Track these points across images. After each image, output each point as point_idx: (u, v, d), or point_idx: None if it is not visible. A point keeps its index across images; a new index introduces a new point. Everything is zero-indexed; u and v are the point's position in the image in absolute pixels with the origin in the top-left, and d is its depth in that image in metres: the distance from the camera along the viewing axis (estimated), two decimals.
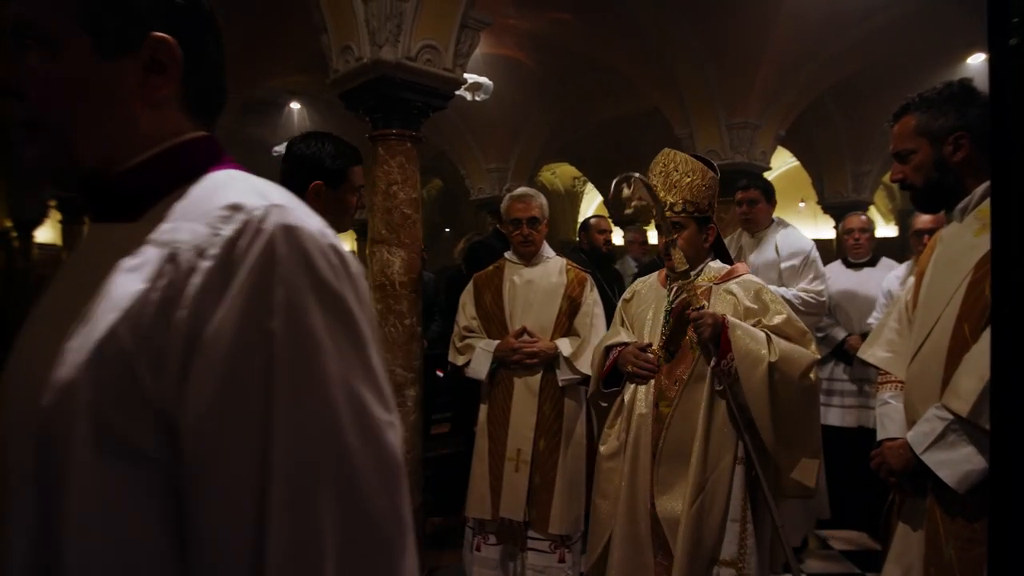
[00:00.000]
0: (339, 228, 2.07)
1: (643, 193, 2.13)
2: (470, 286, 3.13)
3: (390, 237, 3.18)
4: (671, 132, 6.40)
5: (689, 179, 2.15)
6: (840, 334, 3.87)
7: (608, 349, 2.32)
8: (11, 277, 9.93)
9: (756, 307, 2.14)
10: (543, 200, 3.03)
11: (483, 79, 5.79)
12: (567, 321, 2.95)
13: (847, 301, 3.96)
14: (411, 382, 3.26)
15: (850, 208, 6.62)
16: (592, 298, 3.00)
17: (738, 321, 2.06)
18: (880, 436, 1.81)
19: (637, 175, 2.10)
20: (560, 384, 2.85)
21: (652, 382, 2.17)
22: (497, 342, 2.91)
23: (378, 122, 3.23)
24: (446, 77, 3.28)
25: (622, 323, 2.40)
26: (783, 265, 3.59)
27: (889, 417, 1.81)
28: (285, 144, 6.62)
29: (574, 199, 13.74)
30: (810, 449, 2.08)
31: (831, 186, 8.28)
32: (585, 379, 2.75)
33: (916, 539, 1.65)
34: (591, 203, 13.74)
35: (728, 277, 2.23)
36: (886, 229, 11.14)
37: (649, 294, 2.37)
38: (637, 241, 6.41)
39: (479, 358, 2.92)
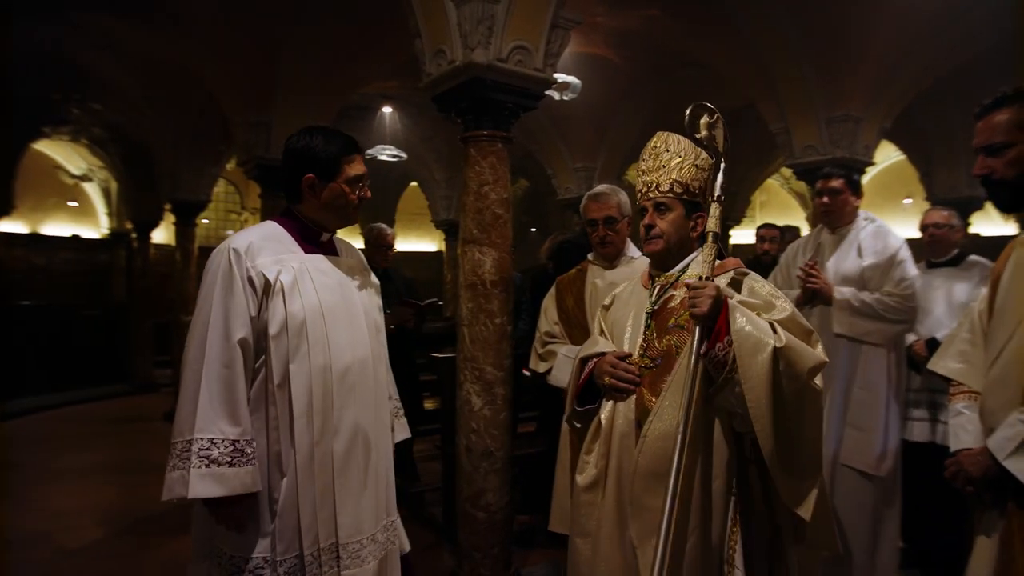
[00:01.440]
0: (343, 220, 2.01)
1: (718, 133, 1.87)
2: (552, 290, 3.10)
3: (481, 237, 3.23)
4: (764, 128, 6.18)
5: (679, 159, 1.93)
6: (909, 338, 3.49)
7: (584, 362, 2.03)
8: (131, 274, 10.74)
9: (753, 302, 1.81)
10: (622, 198, 2.88)
11: (571, 78, 5.78)
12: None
13: (920, 302, 3.50)
14: (501, 381, 3.30)
15: (965, 205, 6.18)
16: None
17: (739, 304, 1.73)
18: (954, 447, 1.78)
19: (720, 114, 1.87)
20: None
21: (633, 397, 1.87)
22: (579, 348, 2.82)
23: (470, 124, 3.29)
24: (537, 77, 3.30)
25: (601, 331, 2.10)
26: (865, 264, 3.14)
27: (963, 428, 1.78)
28: (377, 147, 6.88)
29: None
30: (811, 470, 1.75)
31: (943, 181, 7.74)
32: None
33: (990, 546, 1.61)
34: None
35: (718, 272, 1.90)
36: (1004, 227, 10.32)
37: (631, 298, 2.07)
38: (767, 237, 5.64)
39: (561, 365, 2.86)
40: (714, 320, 1.69)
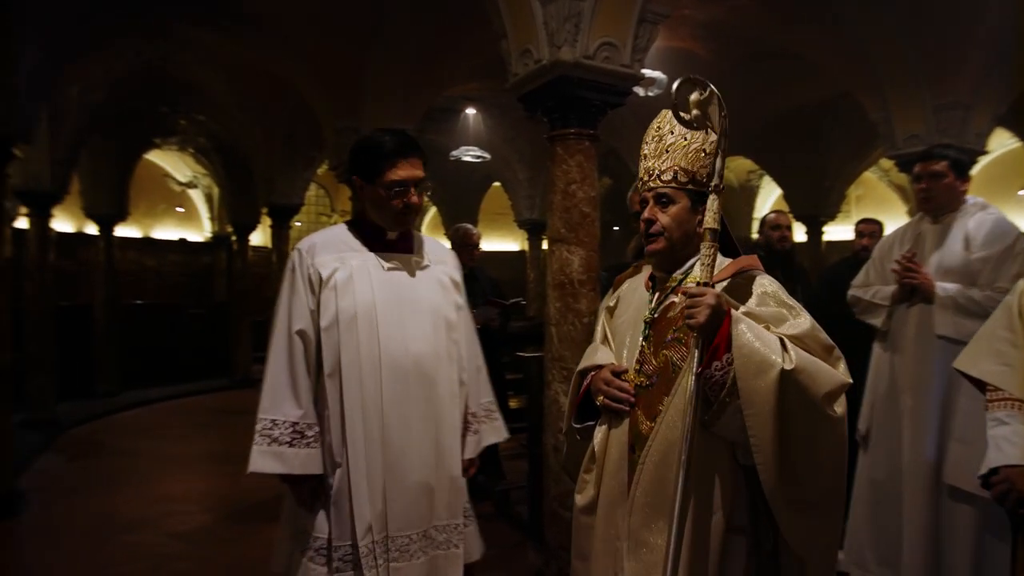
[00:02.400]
0: (390, 223, 2.02)
1: (712, 112, 1.57)
2: (611, 289, 3.00)
3: (569, 236, 3.22)
4: (863, 117, 5.87)
5: (685, 142, 1.63)
6: None
7: (582, 374, 1.80)
8: (231, 275, 11.37)
9: (763, 312, 1.53)
10: None
11: (657, 73, 5.68)
12: None
13: None
14: None
15: None
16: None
17: (744, 316, 1.49)
18: (996, 462, 1.67)
19: (714, 89, 1.55)
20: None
21: (627, 420, 1.64)
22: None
23: (556, 122, 3.28)
24: (624, 73, 3.26)
25: (604, 338, 1.84)
26: (975, 256, 2.77)
27: (1007, 440, 1.66)
28: (461, 148, 6.96)
29: (749, 194, 13.05)
30: (824, 509, 1.51)
31: None
32: None
33: None
34: (767, 198, 12.98)
35: (726, 275, 1.63)
36: None
37: (633, 299, 1.81)
38: (867, 232, 5.32)
39: None
40: (713, 333, 1.45)
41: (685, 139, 1.63)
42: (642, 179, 1.68)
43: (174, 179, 11.69)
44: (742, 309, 1.51)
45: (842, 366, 1.50)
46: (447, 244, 3.82)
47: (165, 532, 4.38)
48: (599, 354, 1.78)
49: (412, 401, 1.97)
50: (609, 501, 1.64)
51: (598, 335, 1.86)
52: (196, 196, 12.17)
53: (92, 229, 9.35)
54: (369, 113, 5.84)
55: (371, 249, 2.03)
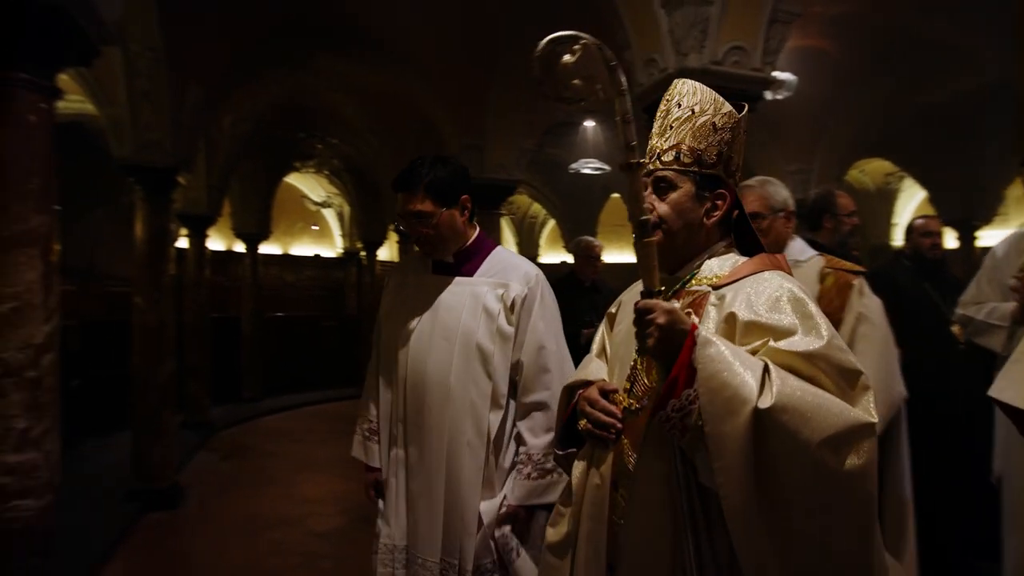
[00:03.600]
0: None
1: (595, 69, 1.25)
2: None
3: None
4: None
5: (692, 115, 1.33)
6: None
7: (571, 390, 1.52)
8: (360, 288, 12.00)
9: (775, 322, 1.21)
10: (772, 190, 2.33)
11: (786, 75, 5.43)
12: None
13: None
14: None
15: None
16: (858, 311, 2.18)
17: (714, 336, 1.18)
18: None
19: (590, 39, 1.24)
20: None
21: (613, 449, 1.35)
22: None
23: None
24: (754, 77, 3.15)
25: (601, 350, 1.56)
26: None
27: None
28: (580, 161, 6.94)
29: (887, 198, 12.13)
30: None
31: None
32: None
33: None
34: (908, 202, 12.01)
35: (739, 276, 1.32)
36: None
37: (632, 307, 1.48)
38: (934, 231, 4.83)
39: None
40: (671, 361, 1.16)
41: (693, 111, 1.33)
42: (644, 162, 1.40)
43: (310, 199, 12.52)
44: (747, 318, 1.22)
45: (866, 399, 1.14)
46: (567, 258, 3.81)
47: (308, 531, 4.66)
48: (591, 367, 1.52)
49: (426, 429, 1.97)
50: (587, 549, 1.36)
51: (595, 346, 1.57)
52: (329, 215, 12.96)
53: (240, 247, 10.19)
54: (492, 131, 5.99)
55: (434, 271, 2.08)
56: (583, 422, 1.39)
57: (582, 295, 4.53)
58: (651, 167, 1.37)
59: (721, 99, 1.35)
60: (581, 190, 11.75)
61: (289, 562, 4.11)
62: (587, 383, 1.45)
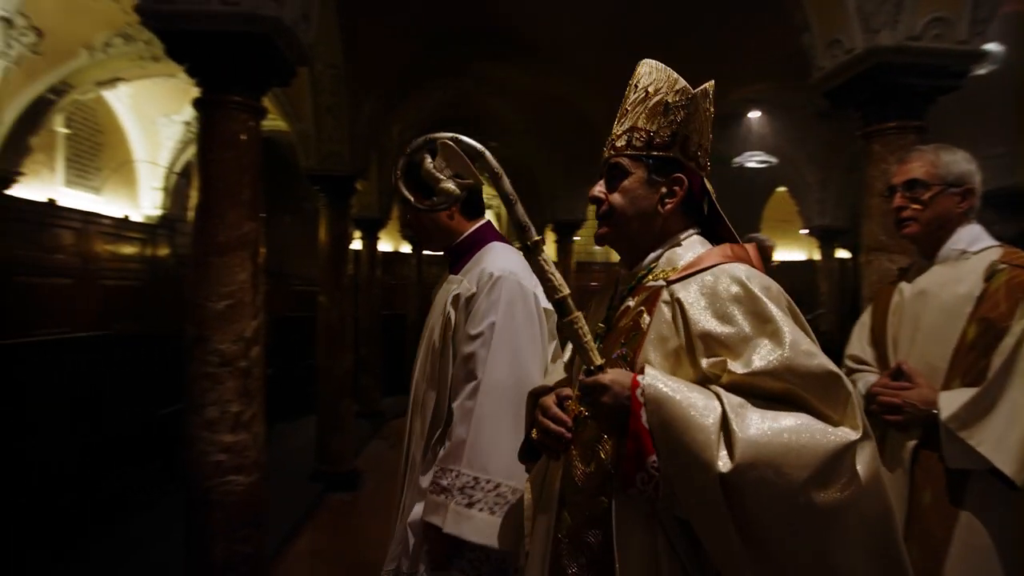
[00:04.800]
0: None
1: (461, 164, 1.32)
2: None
3: (890, 243, 2.85)
4: None
5: (644, 96, 1.21)
6: None
7: (535, 397, 1.39)
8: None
9: (724, 334, 1.09)
10: (945, 157, 1.86)
11: (991, 45, 4.81)
12: (978, 358, 1.69)
13: None
14: None
15: None
16: None
17: (662, 383, 1.07)
18: None
19: (444, 135, 1.29)
20: (948, 465, 1.70)
21: (564, 461, 1.26)
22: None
23: (872, 116, 2.95)
24: (959, 52, 2.81)
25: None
26: None
27: None
28: (745, 154, 6.61)
29: None
30: None
31: None
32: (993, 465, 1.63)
33: None
34: None
35: (694, 269, 1.18)
36: None
37: (601, 303, 1.40)
38: None
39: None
40: (623, 432, 1.08)
41: (647, 92, 1.22)
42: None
43: None
44: (701, 328, 1.10)
45: (850, 407, 1.03)
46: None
47: None
48: (555, 371, 1.45)
49: (406, 431, 1.91)
50: (535, 568, 1.26)
51: (567, 349, 1.44)
52: (489, 216, 13.39)
53: (406, 248, 10.79)
54: None
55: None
56: (534, 431, 1.31)
57: None
58: (605, 155, 1.27)
59: (676, 76, 1.22)
60: (743, 185, 11.17)
61: None
62: (548, 389, 1.36)
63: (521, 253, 1.82)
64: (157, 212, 8.77)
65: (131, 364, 5.22)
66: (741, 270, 1.13)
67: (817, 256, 10.94)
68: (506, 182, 1.22)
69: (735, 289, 1.11)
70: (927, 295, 1.83)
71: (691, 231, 1.26)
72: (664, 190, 1.22)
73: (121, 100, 7.90)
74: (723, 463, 0.98)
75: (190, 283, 2.75)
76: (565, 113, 7.72)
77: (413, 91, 6.97)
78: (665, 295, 1.17)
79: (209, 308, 2.64)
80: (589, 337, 1.17)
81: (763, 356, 1.04)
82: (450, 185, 1.35)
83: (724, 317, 1.09)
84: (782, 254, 14.12)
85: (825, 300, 9.74)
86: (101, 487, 4.55)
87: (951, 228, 1.83)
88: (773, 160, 8.15)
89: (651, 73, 1.23)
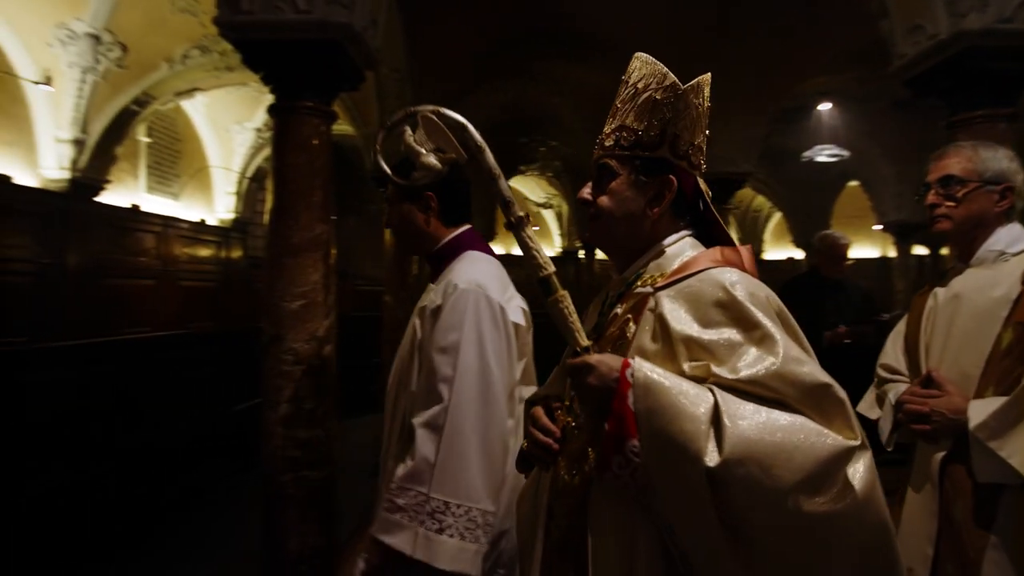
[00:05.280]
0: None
1: (443, 139, 1.28)
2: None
3: None
4: None
5: (634, 93, 1.15)
6: None
7: (529, 405, 1.39)
8: (579, 287, 12.21)
9: (711, 340, 1.03)
10: (984, 153, 1.77)
11: None
12: (1013, 364, 1.60)
13: None
14: None
15: None
16: None
17: (652, 369, 1.01)
18: None
19: (426, 108, 1.27)
20: (978, 479, 1.60)
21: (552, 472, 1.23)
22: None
23: (958, 105, 2.79)
24: None
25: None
26: None
27: None
28: (815, 148, 6.37)
29: None
30: None
31: None
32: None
33: None
34: None
35: (682, 275, 1.12)
36: None
37: (595, 309, 1.35)
38: None
39: (886, 414, 1.91)
40: (605, 414, 1.02)
41: (636, 88, 1.15)
42: None
43: (531, 201, 13.03)
44: (683, 333, 1.05)
45: (843, 416, 0.97)
46: (795, 254, 3.50)
47: None
48: (554, 380, 1.41)
49: (385, 443, 1.85)
50: None
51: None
52: (548, 215, 13.38)
53: None
54: (714, 122, 5.70)
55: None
56: (524, 442, 1.28)
57: (825, 295, 4.15)
58: (595, 155, 1.22)
59: (665, 71, 1.14)
60: (814, 179, 10.83)
61: None
62: (543, 397, 1.34)
63: (497, 261, 1.83)
64: (230, 216, 9.13)
65: (209, 362, 5.45)
66: (728, 275, 1.08)
67: (892, 253, 10.49)
68: (488, 156, 1.18)
69: (719, 295, 1.05)
70: (961, 299, 1.73)
71: (683, 233, 1.20)
72: (652, 192, 1.17)
73: (197, 109, 8.26)
74: (711, 457, 0.93)
75: (265, 284, 2.84)
76: None
77: (474, 93, 7.03)
78: (651, 302, 1.12)
79: (284, 308, 2.72)
80: (575, 318, 1.12)
81: (749, 364, 0.99)
82: (431, 160, 1.32)
83: (707, 323, 1.05)
84: (858, 251, 13.59)
85: (902, 299, 9.31)
86: (178, 480, 4.76)
87: (988, 228, 1.73)
88: (845, 153, 7.85)
89: (641, 68, 1.16)
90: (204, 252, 8.62)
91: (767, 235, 14.77)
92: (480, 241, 1.88)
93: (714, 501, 0.94)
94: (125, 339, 5.71)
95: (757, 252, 14.33)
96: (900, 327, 2.00)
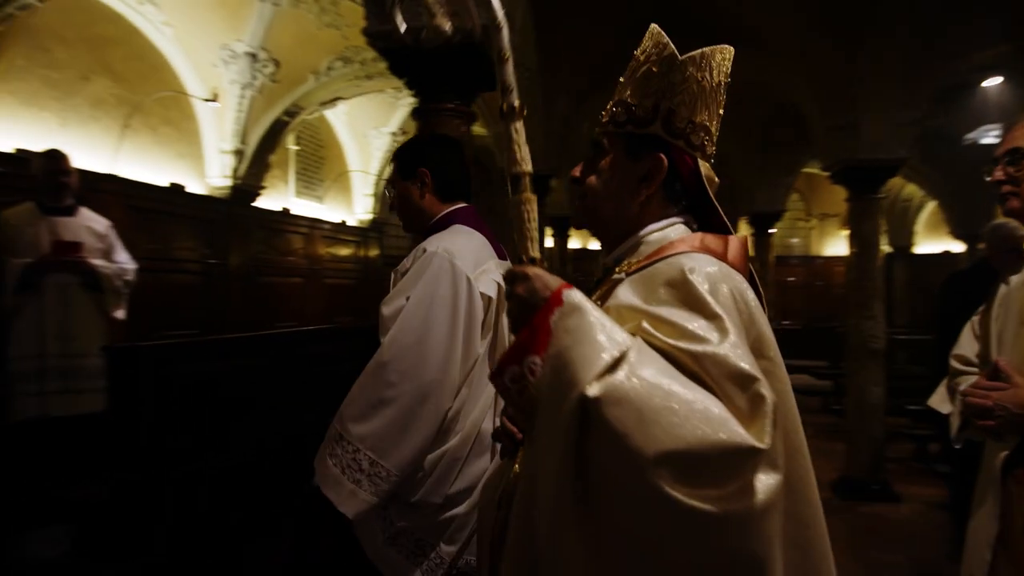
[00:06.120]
0: None
1: (461, 6, 1.18)
2: None
3: None
4: None
5: (636, 64, 1.09)
6: None
7: None
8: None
9: (654, 312, 0.94)
10: None
11: None
12: None
13: None
14: None
15: None
16: None
17: (589, 304, 0.89)
18: None
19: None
20: None
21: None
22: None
23: None
24: None
25: None
26: None
27: None
28: (979, 130, 5.81)
29: None
30: None
31: None
32: None
33: None
34: None
35: (654, 259, 1.04)
36: None
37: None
38: None
39: (956, 409, 1.80)
40: (523, 324, 0.93)
41: (638, 60, 1.09)
42: None
43: None
44: (628, 303, 0.98)
45: (760, 418, 0.81)
46: (952, 246, 3.21)
47: None
48: None
49: None
50: None
51: None
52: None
53: (595, 245, 10.87)
54: (863, 106, 5.35)
55: None
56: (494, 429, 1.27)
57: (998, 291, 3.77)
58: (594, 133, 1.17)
59: (666, 42, 1.07)
60: (975, 163, 9.83)
61: None
62: None
63: (484, 237, 1.86)
64: (368, 216, 9.65)
65: (347, 357, 5.75)
66: (691, 261, 0.97)
67: None
68: (504, 35, 1.07)
69: (672, 275, 0.96)
70: None
71: (673, 220, 1.10)
72: (642, 172, 1.09)
73: (339, 117, 8.80)
74: (592, 387, 0.81)
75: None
76: (762, 99, 7.30)
77: (602, 88, 6.98)
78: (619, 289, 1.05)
79: None
80: (535, 226, 1.02)
81: (691, 339, 0.89)
82: (444, 22, 1.23)
83: (652, 300, 0.97)
84: None
85: None
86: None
87: None
88: None
89: (647, 39, 1.10)
90: (344, 251, 9.17)
91: (918, 226, 13.58)
92: (474, 218, 1.92)
93: (578, 446, 0.82)
94: (278, 332, 6.18)
95: (906, 245, 13.22)
96: (976, 316, 1.87)
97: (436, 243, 1.76)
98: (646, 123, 1.08)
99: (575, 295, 0.91)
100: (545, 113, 5.54)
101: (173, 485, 3.21)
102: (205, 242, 6.60)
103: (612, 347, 0.84)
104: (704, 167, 1.10)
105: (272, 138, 7.12)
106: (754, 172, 8.32)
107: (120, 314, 4.01)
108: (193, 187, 6.60)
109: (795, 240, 13.77)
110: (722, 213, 1.11)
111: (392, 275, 1.83)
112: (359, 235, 9.49)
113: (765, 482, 0.80)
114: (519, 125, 1.06)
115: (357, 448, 1.61)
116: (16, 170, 4.37)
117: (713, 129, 1.11)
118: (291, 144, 8.12)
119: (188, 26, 6.01)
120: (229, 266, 6.85)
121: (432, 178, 1.90)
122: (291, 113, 7.17)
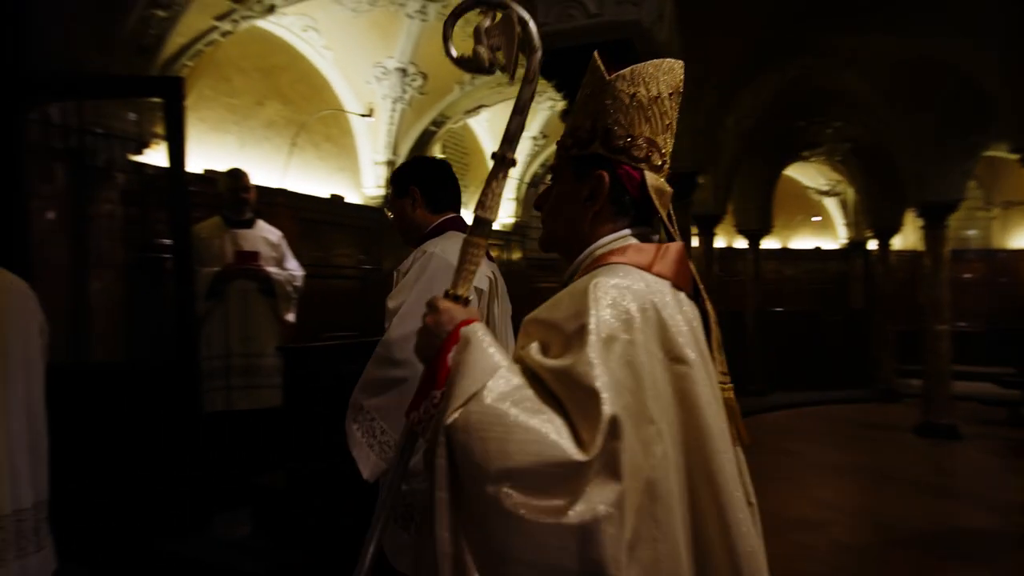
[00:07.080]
0: None
1: (506, 44, 1.11)
2: None
3: None
4: None
5: (578, 96, 1.17)
6: None
7: None
8: (868, 281, 10.93)
9: (549, 318, 1.02)
10: None
11: None
12: None
13: None
14: None
15: None
16: None
17: (480, 334, 1.01)
18: None
19: (515, 6, 1.10)
20: None
21: None
22: None
23: None
24: None
25: None
26: None
27: None
28: None
29: None
30: None
31: None
32: None
33: None
34: None
35: (589, 270, 1.09)
36: None
37: None
38: None
39: None
40: (432, 362, 1.05)
41: (584, 83, 1.16)
42: None
43: (813, 189, 11.99)
44: (532, 317, 1.05)
45: (591, 431, 0.88)
46: None
47: (834, 540, 4.40)
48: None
49: None
50: None
51: None
52: (830, 204, 12.18)
53: (740, 243, 10.39)
54: None
55: None
56: None
57: None
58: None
59: (598, 66, 1.12)
60: None
61: (818, 569, 3.95)
62: None
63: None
64: (511, 220, 9.83)
65: None
66: (608, 273, 1.02)
67: None
68: (529, 88, 1.12)
69: (580, 287, 1.01)
70: None
71: (622, 233, 1.14)
72: (587, 191, 1.14)
73: (481, 124, 9.05)
74: (449, 417, 0.93)
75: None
76: (936, 75, 6.60)
77: (752, 78, 6.65)
78: None
79: None
80: (473, 268, 1.11)
81: (560, 353, 0.97)
82: (483, 50, 1.20)
83: (553, 306, 1.04)
84: None
85: None
86: None
87: None
88: None
89: (588, 72, 1.16)
90: (515, 255, 9.47)
91: None
92: (464, 224, 2.10)
93: (451, 463, 0.93)
94: None
95: None
96: None
97: (434, 246, 2.01)
98: (587, 144, 1.14)
99: (470, 330, 1.01)
100: (690, 109, 5.35)
101: (346, 478, 3.43)
102: (361, 249, 7.02)
103: (482, 378, 0.94)
104: (651, 178, 1.12)
105: (420, 148, 7.45)
106: (925, 155, 7.50)
107: (291, 317, 4.36)
108: (351, 197, 7.05)
109: (972, 232, 12.33)
110: (668, 222, 1.15)
111: (395, 274, 2.06)
112: (503, 239, 9.69)
113: (600, 492, 0.86)
114: (502, 176, 1.13)
115: (373, 417, 1.86)
116: (204, 188, 4.88)
117: (660, 141, 1.14)
118: (438, 153, 8.46)
119: (345, 48, 6.43)
120: (383, 271, 7.25)
121: (421, 194, 2.15)
122: (438, 123, 7.46)
